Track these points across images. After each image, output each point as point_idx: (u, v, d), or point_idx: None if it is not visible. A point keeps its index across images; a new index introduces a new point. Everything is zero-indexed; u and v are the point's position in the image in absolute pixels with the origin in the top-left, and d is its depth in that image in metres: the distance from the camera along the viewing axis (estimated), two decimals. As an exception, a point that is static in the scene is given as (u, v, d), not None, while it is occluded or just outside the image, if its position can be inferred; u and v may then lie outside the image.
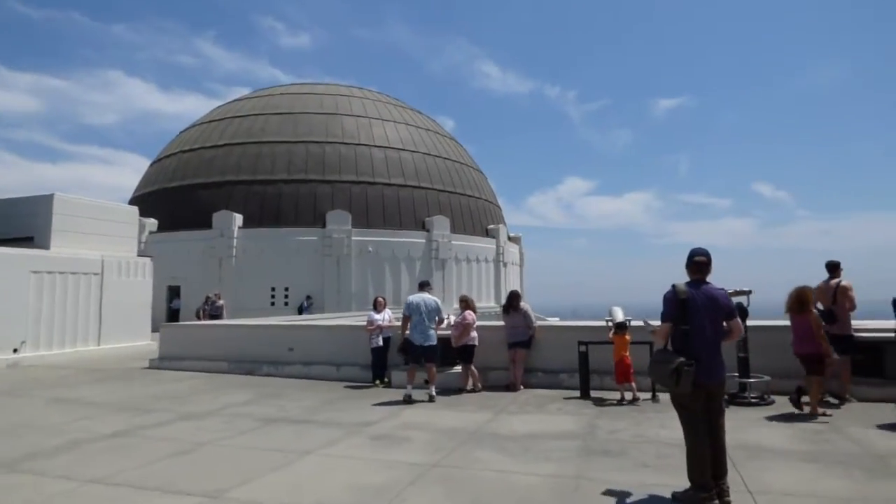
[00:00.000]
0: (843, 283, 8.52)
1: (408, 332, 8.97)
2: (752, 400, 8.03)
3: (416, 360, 8.98)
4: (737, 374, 8.39)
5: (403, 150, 26.87)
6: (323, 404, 8.65)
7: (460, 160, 29.37)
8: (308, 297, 22.85)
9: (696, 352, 4.38)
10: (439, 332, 9.53)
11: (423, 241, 25.31)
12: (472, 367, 9.61)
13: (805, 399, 7.47)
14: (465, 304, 9.84)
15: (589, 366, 9.11)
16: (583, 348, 9.10)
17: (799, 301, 7.74)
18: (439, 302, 9.24)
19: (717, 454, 4.41)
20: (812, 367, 7.54)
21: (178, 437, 6.72)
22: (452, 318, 9.87)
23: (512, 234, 31.81)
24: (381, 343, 10.15)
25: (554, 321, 31.09)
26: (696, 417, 4.45)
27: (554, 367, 9.99)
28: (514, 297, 10.10)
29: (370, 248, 24.27)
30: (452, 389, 9.56)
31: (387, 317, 10.41)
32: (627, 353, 8.67)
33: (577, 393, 9.08)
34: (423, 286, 9.41)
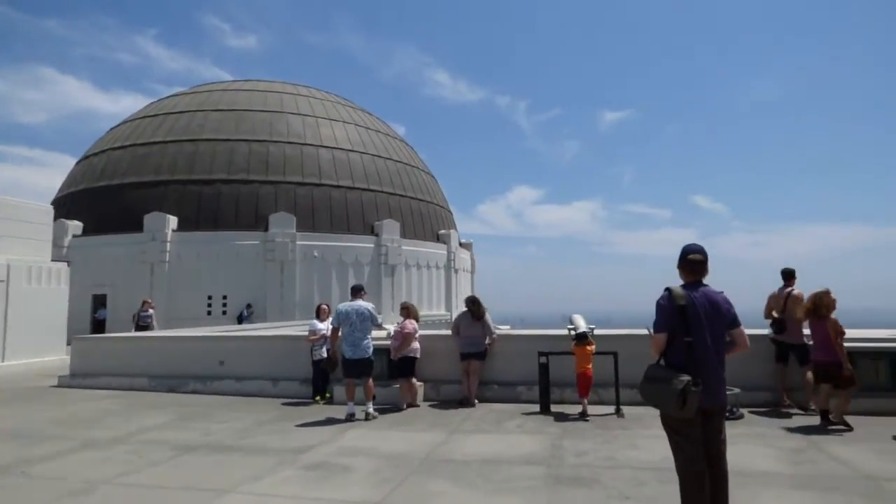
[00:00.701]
0: (795, 292, 8.23)
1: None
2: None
3: (353, 375, 8.08)
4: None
5: (352, 150, 25.81)
6: (254, 426, 7.61)
7: (411, 163, 28.54)
8: (248, 306, 21.43)
9: (698, 368, 3.71)
10: (380, 342, 8.72)
11: (372, 245, 24.30)
12: (413, 382, 8.77)
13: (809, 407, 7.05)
14: (407, 312, 8.98)
15: (549, 378, 8.44)
16: (543, 359, 8.42)
17: (813, 306, 7.31)
18: (373, 309, 8.37)
19: (718, 488, 3.74)
20: (827, 376, 7.10)
21: (70, 473, 5.57)
22: (392, 329, 9.04)
23: (463, 240, 31.19)
24: (324, 355, 9.18)
25: (504, 329, 30.60)
26: (694, 446, 3.76)
27: (511, 380, 9.28)
28: (477, 304, 9.32)
29: (316, 253, 23.07)
30: (402, 406, 8.70)
31: (331, 326, 9.47)
32: (590, 366, 8.04)
33: (536, 407, 8.38)
34: (356, 292, 8.49)
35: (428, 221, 27.59)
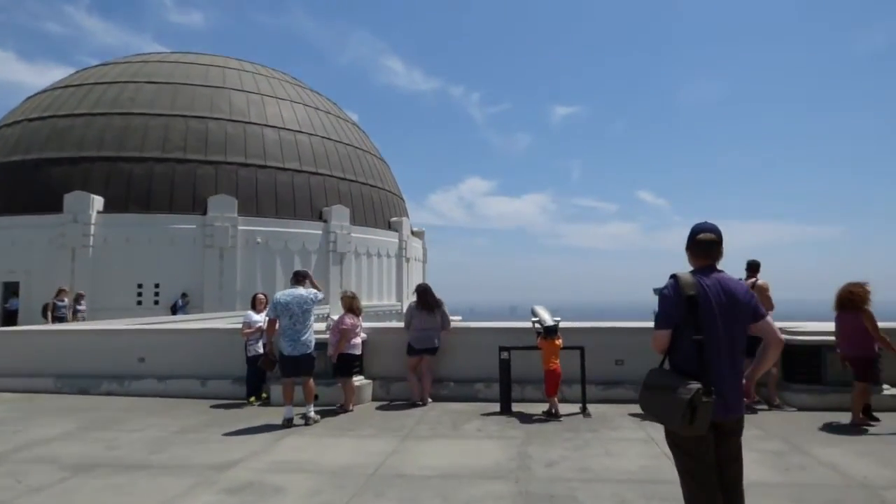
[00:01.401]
0: (760, 282, 7.80)
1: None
2: (694, 412, 7.00)
3: (292, 374, 7.11)
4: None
5: (300, 132, 24.36)
6: (174, 435, 6.54)
7: (363, 147, 27.31)
8: (184, 295, 19.85)
9: (710, 373, 3.00)
10: (324, 336, 7.81)
11: (320, 232, 23.03)
12: (352, 383, 7.88)
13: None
14: (348, 303, 8.05)
15: (511, 375, 7.72)
16: (505, 355, 7.68)
17: (847, 297, 6.75)
18: (317, 296, 7.41)
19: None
20: (859, 371, 6.60)
21: (-78, 504, 4.41)
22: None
23: (415, 229, 30.29)
24: (260, 350, 8.14)
25: (456, 320, 29.95)
26: (705, 470, 3.06)
27: (468, 376, 8.52)
28: (429, 293, 8.48)
29: (259, 239, 21.64)
30: (348, 407, 7.78)
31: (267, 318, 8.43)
32: (558, 361, 7.36)
33: (496, 407, 7.65)
34: (299, 278, 7.47)
35: (379, 208, 26.51)
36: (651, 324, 8.07)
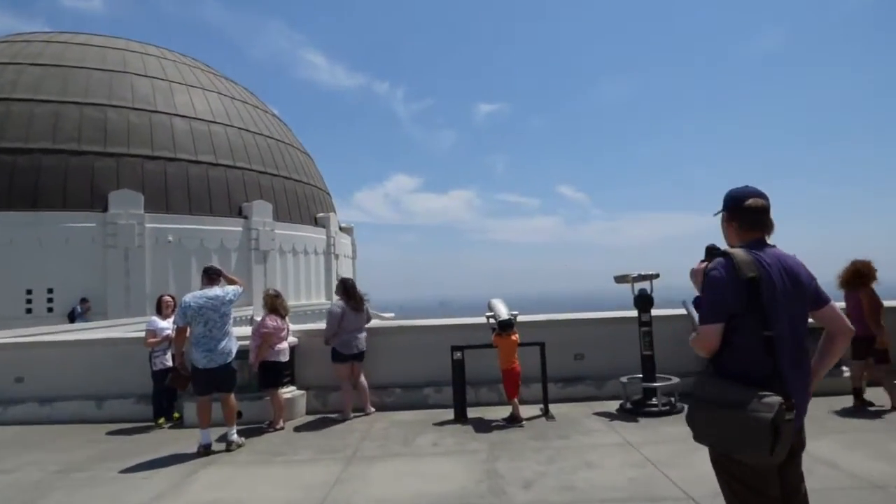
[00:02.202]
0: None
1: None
2: (662, 408, 6.44)
3: (208, 390, 5.90)
4: (640, 376, 6.79)
5: (214, 122, 22.31)
6: (55, 476, 5.17)
7: (285, 140, 25.56)
8: (83, 301, 17.52)
9: (785, 379, 2.23)
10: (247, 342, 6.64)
11: (241, 229, 21.19)
12: (280, 395, 6.76)
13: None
14: (270, 302, 6.92)
15: (465, 378, 6.86)
16: (458, 355, 6.81)
17: (852, 275, 6.33)
18: (237, 293, 6.17)
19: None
20: (857, 350, 6.28)
21: None
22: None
23: (343, 225, 28.90)
24: (167, 364, 6.82)
25: (388, 317, 28.88)
26: (768, 502, 2.30)
27: (416, 381, 7.59)
28: (354, 287, 7.49)
29: (171, 238, 19.55)
30: (278, 425, 6.63)
31: (175, 325, 7.07)
32: (517, 359, 6.58)
33: (449, 413, 6.78)
34: (211, 276, 6.17)
35: (304, 203, 24.92)
36: (611, 313, 7.39)
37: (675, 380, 6.61)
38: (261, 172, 22.81)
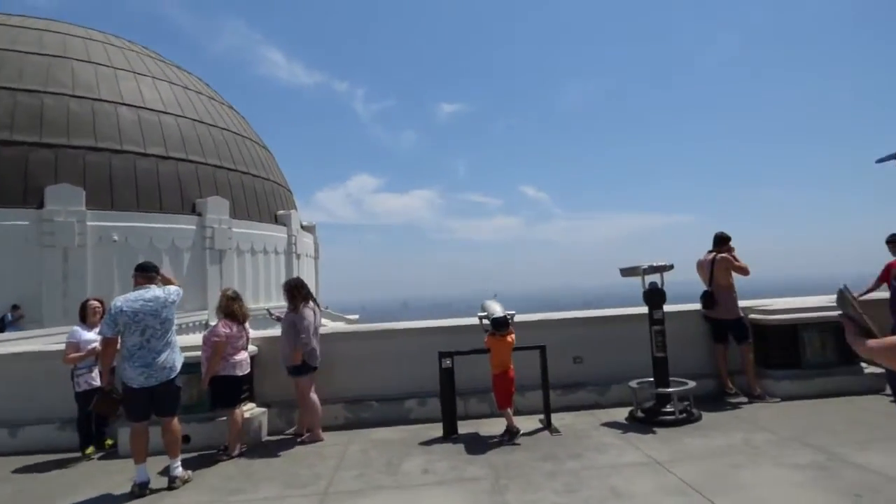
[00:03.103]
0: (723, 255, 6.68)
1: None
2: (679, 416, 5.63)
3: (145, 415, 4.75)
4: (651, 380, 5.97)
5: (165, 112, 20.59)
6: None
7: (242, 133, 23.95)
8: (14, 308, 15.65)
9: None
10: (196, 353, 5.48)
11: (194, 227, 19.56)
12: (237, 415, 5.60)
13: None
14: (226, 305, 5.79)
15: (455, 388, 5.89)
16: (447, 362, 5.83)
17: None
18: (179, 295, 5.01)
19: None
20: None
21: None
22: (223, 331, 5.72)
23: (305, 223, 27.47)
24: (94, 383, 5.58)
25: (353, 319, 27.63)
26: None
27: (396, 392, 6.57)
28: (300, 287, 6.40)
29: (116, 237, 17.80)
30: (233, 452, 5.51)
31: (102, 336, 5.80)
32: (512, 364, 5.65)
33: (436, 429, 5.81)
34: (144, 275, 4.96)
35: (264, 200, 23.41)
36: (612, 311, 6.47)
37: (691, 384, 5.82)
38: (216, 167, 21.21)
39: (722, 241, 6.73)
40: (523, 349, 5.81)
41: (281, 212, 24.09)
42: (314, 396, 5.97)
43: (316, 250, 28.33)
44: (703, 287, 6.75)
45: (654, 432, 5.34)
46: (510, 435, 5.36)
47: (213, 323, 6.67)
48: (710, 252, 6.78)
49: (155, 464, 4.81)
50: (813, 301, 6.91)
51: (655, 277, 5.95)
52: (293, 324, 5.90)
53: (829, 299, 6.82)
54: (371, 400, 6.50)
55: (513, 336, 5.65)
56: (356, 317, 27.73)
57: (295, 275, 23.95)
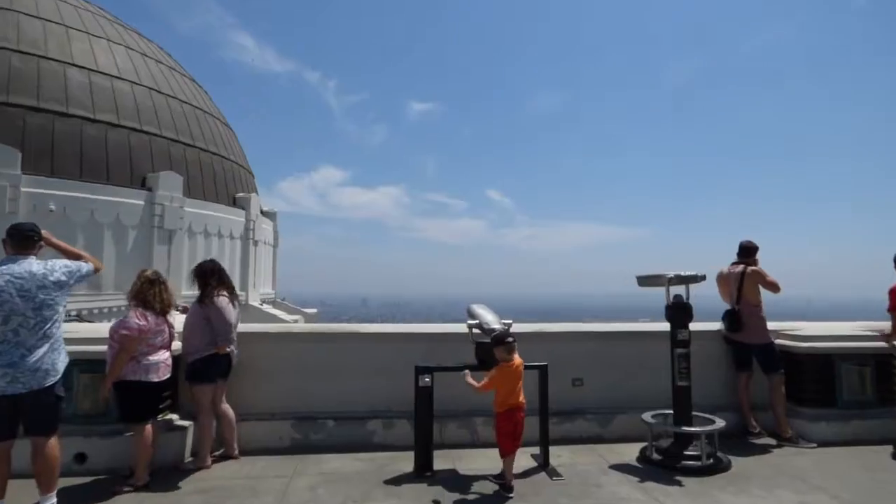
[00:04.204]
0: (752, 269, 5.66)
1: None
2: (707, 463, 4.50)
3: (3, 434, 3.32)
4: (670, 411, 4.85)
5: (119, 78, 18.52)
6: None
7: (203, 107, 21.97)
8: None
9: None
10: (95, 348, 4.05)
11: (143, 202, 17.59)
12: (147, 433, 4.18)
13: None
14: (140, 289, 4.37)
15: (433, 411, 4.62)
16: (426, 380, 4.55)
17: None
18: (74, 272, 3.68)
19: None
20: None
21: None
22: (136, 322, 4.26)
23: (266, 209, 25.63)
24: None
25: (311, 313, 25.90)
26: None
27: (356, 409, 5.25)
28: (215, 272, 5.01)
29: (53, 207, 15.74)
30: (139, 481, 4.08)
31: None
32: (523, 396, 4.36)
33: (406, 460, 4.54)
34: (17, 241, 3.54)
35: (222, 180, 21.51)
36: (620, 326, 5.30)
37: (719, 422, 4.71)
38: (172, 140, 19.25)
39: (750, 252, 5.67)
40: (528, 368, 4.59)
41: (240, 194, 22.22)
42: (227, 408, 4.64)
43: (275, 238, 26.49)
44: (719, 301, 5.70)
45: (679, 483, 4.20)
46: (504, 487, 4.10)
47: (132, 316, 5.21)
48: (734, 263, 5.72)
49: (20, 494, 3.37)
50: (848, 328, 5.91)
51: (681, 289, 4.84)
52: (205, 317, 4.52)
53: (864, 326, 5.87)
54: (325, 418, 5.15)
55: (518, 357, 4.38)
56: (315, 311, 26.03)
57: (251, 263, 22.16)
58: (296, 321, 21.16)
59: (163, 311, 4.36)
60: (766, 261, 5.71)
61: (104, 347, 4.23)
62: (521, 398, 4.16)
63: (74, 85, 17.41)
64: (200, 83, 24.39)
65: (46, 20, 18.33)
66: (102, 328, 4.69)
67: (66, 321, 3.76)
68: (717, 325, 5.74)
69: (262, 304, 22.53)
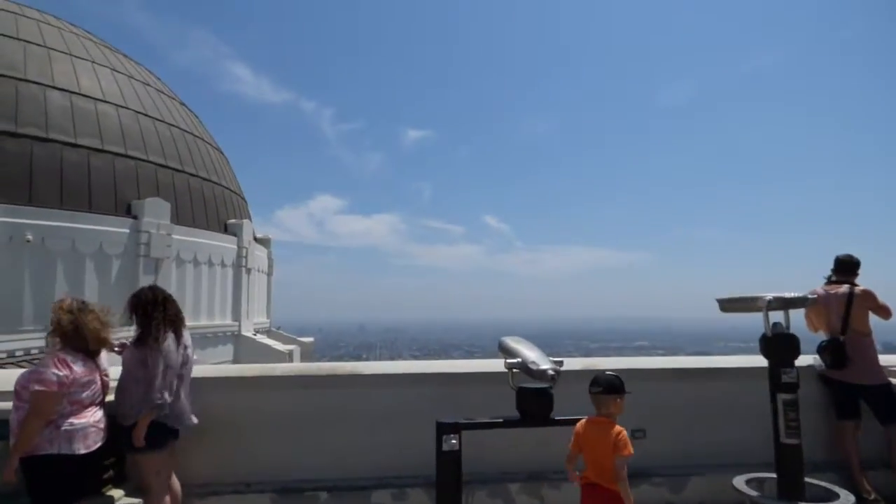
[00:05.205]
0: (861, 289, 4.51)
1: None
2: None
3: None
4: (769, 475, 3.64)
5: (103, 101, 17.59)
6: None
7: (193, 131, 21.05)
8: None
9: None
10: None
11: (127, 230, 16.48)
12: None
13: None
14: (62, 322, 3.21)
15: (462, 476, 3.40)
16: (452, 441, 3.34)
17: None
18: None
19: None
20: None
21: None
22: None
23: (260, 235, 24.48)
24: None
25: (308, 342, 24.53)
26: None
27: (357, 476, 4.03)
28: (157, 304, 3.80)
29: (29, 237, 14.58)
30: None
31: None
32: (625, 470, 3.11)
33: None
34: None
35: (213, 206, 20.41)
36: (691, 360, 4.12)
37: (845, 495, 3.49)
38: (160, 166, 18.20)
39: (853, 268, 4.49)
40: (565, 422, 3.40)
41: (232, 221, 21.09)
42: (175, 484, 3.41)
43: (270, 266, 25.28)
44: (807, 330, 4.54)
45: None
46: None
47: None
48: (831, 282, 4.55)
49: None
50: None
51: (779, 315, 3.68)
52: (142, 363, 3.33)
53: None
54: (316, 488, 3.92)
55: (620, 405, 3.11)
56: (311, 339, 24.70)
57: (244, 291, 20.94)
58: (291, 351, 19.84)
59: (92, 352, 3.17)
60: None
61: (7, 405, 3.03)
62: (624, 473, 2.97)
63: (55, 108, 16.42)
64: (197, 113, 23.52)
65: (28, 42, 17.45)
66: (8, 377, 3.49)
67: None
68: (808, 360, 4.56)
69: (255, 335, 21.22)
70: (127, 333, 3.44)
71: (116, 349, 3.65)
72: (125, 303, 3.69)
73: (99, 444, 3.22)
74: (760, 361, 3.68)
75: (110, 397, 3.37)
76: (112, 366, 3.45)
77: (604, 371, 3.08)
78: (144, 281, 16.67)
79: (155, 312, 3.54)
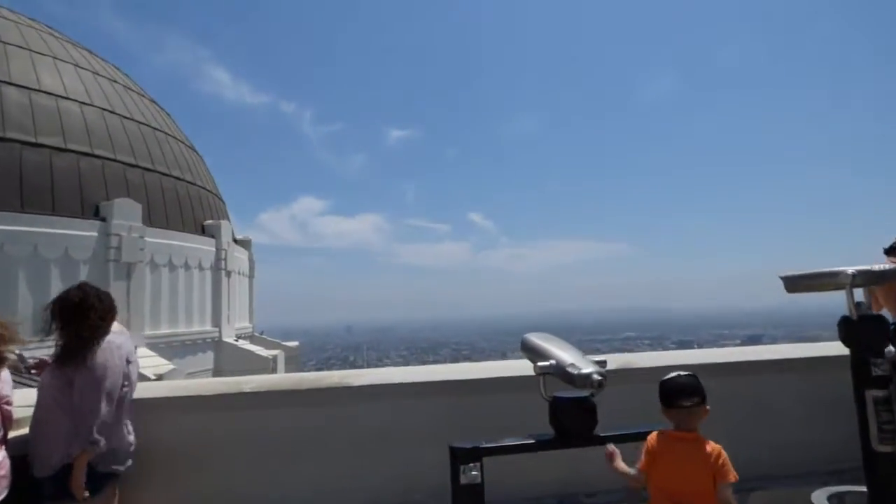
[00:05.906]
0: None
1: None
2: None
3: None
4: (853, 488, 2.95)
5: (67, 98, 16.48)
6: None
7: (165, 129, 19.96)
8: None
9: None
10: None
11: (95, 233, 15.42)
12: None
13: None
14: None
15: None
16: (473, 471, 2.58)
17: None
18: None
19: None
20: None
21: None
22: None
23: (240, 237, 23.45)
24: None
25: (293, 346, 23.57)
26: None
27: (367, 495, 3.24)
28: (91, 310, 2.96)
29: (-11, 243, 13.52)
30: None
31: None
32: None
33: None
34: None
35: (188, 207, 19.35)
36: (751, 351, 3.39)
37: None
38: (129, 165, 17.11)
39: None
40: (613, 439, 2.67)
41: (209, 222, 20.03)
42: None
43: (251, 268, 24.23)
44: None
45: None
46: None
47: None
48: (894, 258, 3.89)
49: None
50: None
51: (858, 295, 3.00)
52: (68, 385, 2.52)
53: None
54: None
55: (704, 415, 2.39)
56: (296, 344, 23.74)
57: (224, 295, 19.93)
58: (274, 357, 18.88)
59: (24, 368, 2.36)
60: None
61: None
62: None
63: (13, 106, 15.27)
64: (176, 117, 22.37)
65: (-17, 38, 16.25)
66: None
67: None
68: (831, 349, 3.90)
69: (237, 340, 20.19)
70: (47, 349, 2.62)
71: (32, 369, 2.81)
72: (44, 309, 2.86)
73: (3, 495, 2.40)
74: (831, 349, 3.01)
75: (16, 432, 2.55)
76: (20, 388, 2.62)
77: (678, 373, 2.36)
78: (116, 287, 15.61)
79: (87, 319, 2.74)
